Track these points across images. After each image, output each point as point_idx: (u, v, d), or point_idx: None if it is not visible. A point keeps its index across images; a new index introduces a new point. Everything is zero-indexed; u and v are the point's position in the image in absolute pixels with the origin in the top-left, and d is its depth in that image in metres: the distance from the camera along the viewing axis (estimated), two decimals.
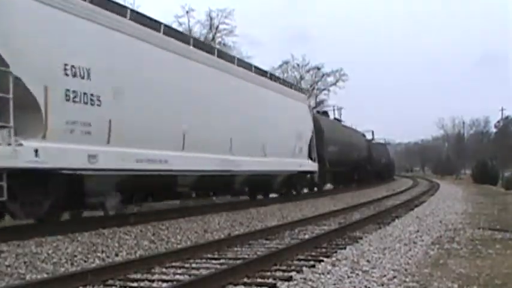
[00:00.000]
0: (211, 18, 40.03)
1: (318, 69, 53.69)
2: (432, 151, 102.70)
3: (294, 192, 22.09)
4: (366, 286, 6.03)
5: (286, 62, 53.07)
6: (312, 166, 22.46)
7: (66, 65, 9.33)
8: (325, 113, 31.79)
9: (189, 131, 12.78)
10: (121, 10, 11.19)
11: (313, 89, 54.22)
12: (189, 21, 39.30)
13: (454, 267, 7.11)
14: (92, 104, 9.84)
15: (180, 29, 39.81)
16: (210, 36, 39.94)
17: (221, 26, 40.23)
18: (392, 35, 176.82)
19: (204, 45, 15.92)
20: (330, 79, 54.47)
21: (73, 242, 8.75)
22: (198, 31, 40.43)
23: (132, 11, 11.90)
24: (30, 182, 9.11)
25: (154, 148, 11.52)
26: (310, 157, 22.25)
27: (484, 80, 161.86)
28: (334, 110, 32.83)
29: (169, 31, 13.01)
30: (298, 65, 53.43)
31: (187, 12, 38.82)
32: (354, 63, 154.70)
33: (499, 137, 70.65)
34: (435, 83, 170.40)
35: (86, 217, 11.72)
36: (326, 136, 25.25)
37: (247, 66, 17.63)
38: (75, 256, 7.88)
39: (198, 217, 12.89)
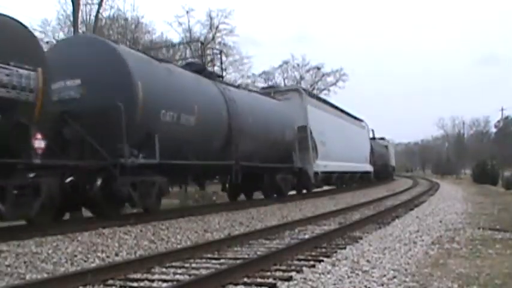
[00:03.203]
0: (211, 18, 40.10)
1: (318, 69, 53.79)
2: (432, 151, 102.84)
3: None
4: (366, 286, 6.02)
5: (286, 62, 53.22)
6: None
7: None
8: None
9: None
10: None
11: (313, 89, 54.28)
12: (189, 21, 39.38)
13: (454, 267, 7.10)
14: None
15: (180, 29, 39.95)
16: (210, 36, 39.96)
17: (221, 26, 40.29)
18: (392, 35, 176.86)
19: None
20: (330, 79, 54.62)
21: (73, 242, 8.76)
22: (198, 31, 40.49)
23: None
24: None
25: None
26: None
27: (484, 80, 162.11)
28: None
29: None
30: (298, 65, 53.59)
31: (187, 12, 38.92)
32: (354, 63, 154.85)
33: (499, 137, 70.71)
34: (435, 83, 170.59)
35: (86, 217, 11.73)
36: None
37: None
38: (75, 256, 7.88)
39: (198, 217, 12.90)
